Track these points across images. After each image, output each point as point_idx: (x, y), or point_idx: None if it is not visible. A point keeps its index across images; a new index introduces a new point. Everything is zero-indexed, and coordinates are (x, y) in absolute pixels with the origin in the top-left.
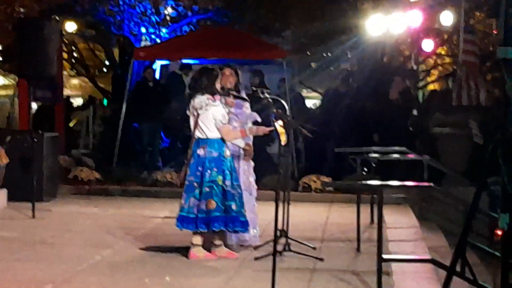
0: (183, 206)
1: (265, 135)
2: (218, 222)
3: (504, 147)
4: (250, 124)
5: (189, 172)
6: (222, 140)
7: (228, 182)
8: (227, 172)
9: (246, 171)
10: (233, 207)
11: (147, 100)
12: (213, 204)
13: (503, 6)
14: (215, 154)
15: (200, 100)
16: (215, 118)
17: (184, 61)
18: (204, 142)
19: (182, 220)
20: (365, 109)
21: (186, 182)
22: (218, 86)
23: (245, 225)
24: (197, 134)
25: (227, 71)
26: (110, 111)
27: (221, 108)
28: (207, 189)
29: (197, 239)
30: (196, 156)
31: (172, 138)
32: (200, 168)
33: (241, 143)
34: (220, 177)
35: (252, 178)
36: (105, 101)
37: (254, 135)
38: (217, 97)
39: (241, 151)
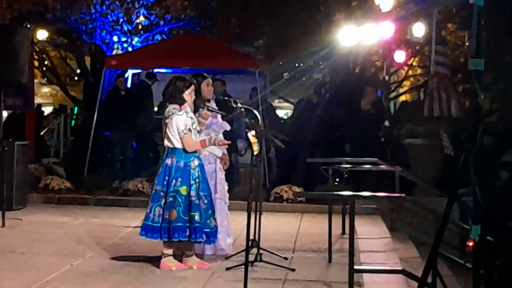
0: (148, 215)
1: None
2: (178, 232)
3: (476, 158)
4: (220, 135)
5: (156, 181)
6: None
7: (193, 193)
8: (192, 182)
9: (222, 180)
10: (196, 217)
11: (119, 108)
12: (174, 214)
13: (475, 17)
14: (181, 164)
15: (168, 109)
16: (178, 127)
17: (156, 70)
18: (173, 152)
19: (147, 229)
20: (337, 119)
21: (153, 191)
22: (187, 96)
23: (209, 236)
24: (166, 143)
25: (204, 83)
26: (81, 119)
27: (184, 118)
28: (171, 199)
29: (168, 249)
30: (164, 166)
31: (143, 147)
32: (166, 178)
33: (218, 152)
34: (185, 187)
35: (226, 187)
36: (75, 110)
37: (212, 145)
38: (184, 106)
39: (218, 160)
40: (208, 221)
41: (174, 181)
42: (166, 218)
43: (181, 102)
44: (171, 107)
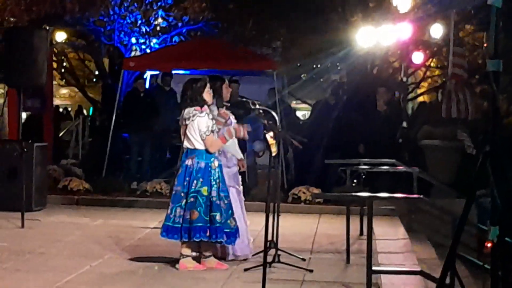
0: (168, 216)
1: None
2: (199, 233)
3: (494, 159)
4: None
5: (176, 182)
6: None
7: (214, 193)
8: (213, 183)
9: (240, 182)
10: (218, 218)
11: (137, 110)
12: (195, 215)
13: (493, 18)
14: (202, 164)
15: (188, 111)
16: (200, 129)
17: (174, 71)
18: (192, 152)
19: (167, 230)
20: (354, 120)
21: (173, 192)
22: (206, 95)
23: (230, 236)
24: (186, 144)
25: (224, 85)
26: (99, 120)
27: (206, 119)
28: (192, 199)
29: (187, 250)
30: (184, 166)
31: (161, 148)
32: (187, 178)
33: (238, 154)
34: (206, 188)
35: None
36: (90, 110)
37: (233, 137)
38: (204, 108)
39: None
40: (228, 221)
41: (195, 181)
42: (187, 219)
43: (202, 103)
44: (191, 109)
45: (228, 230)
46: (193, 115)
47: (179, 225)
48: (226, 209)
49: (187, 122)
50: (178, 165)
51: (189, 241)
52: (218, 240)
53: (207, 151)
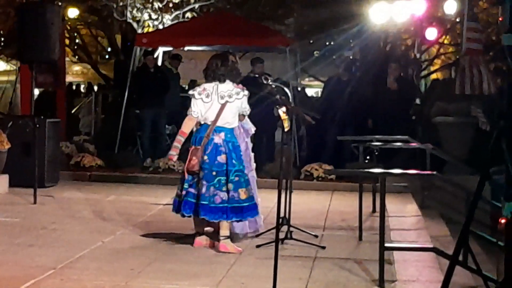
0: (203, 195)
1: None
2: (251, 211)
3: (508, 135)
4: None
5: (207, 160)
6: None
7: (246, 170)
8: (243, 159)
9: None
10: (252, 193)
11: (148, 86)
12: (246, 193)
13: None
14: (235, 143)
15: (227, 88)
16: (245, 107)
17: (187, 48)
18: (221, 129)
19: (205, 209)
20: (367, 97)
21: (205, 171)
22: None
23: (257, 208)
24: (221, 122)
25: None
26: (111, 97)
27: (247, 98)
28: (236, 178)
29: (226, 231)
30: (213, 144)
31: (173, 125)
32: (221, 156)
33: (253, 128)
34: (242, 167)
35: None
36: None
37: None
38: (241, 86)
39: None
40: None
41: (233, 161)
42: (234, 198)
43: (239, 78)
44: (229, 86)
45: (254, 202)
46: (237, 93)
47: (222, 205)
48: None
49: (230, 100)
50: (204, 142)
51: (240, 220)
52: (254, 216)
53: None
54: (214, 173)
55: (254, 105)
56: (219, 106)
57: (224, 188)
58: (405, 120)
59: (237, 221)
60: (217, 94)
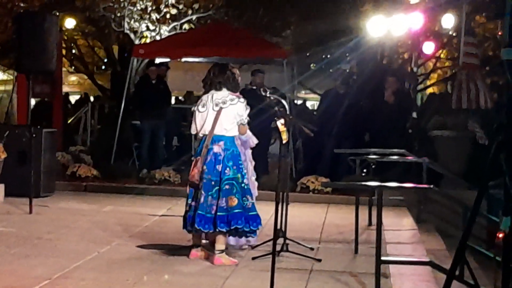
0: (202, 204)
1: None
2: (240, 219)
3: (507, 149)
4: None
5: (206, 170)
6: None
7: (246, 180)
8: (242, 167)
9: (251, 171)
10: (249, 204)
11: (149, 97)
12: (234, 201)
13: (508, 6)
14: (233, 151)
15: (222, 96)
16: (241, 114)
17: (184, 59)
18: (220, 138)
19: (202, 219)
20: (364, 110)
21: (204, 180)
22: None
23: (258, 219)
24: (218, 131)
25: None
26: (108, 108)
27: (245, 105)
28: (227, 187)
29: (221, 245)
30: (212, 154)
31: (170, 136)
32: (218, 166)
33: (255, 140)
34: (239, 175)
35: (253, 177)
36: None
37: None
38: (239, 94)
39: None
40: (254, 204)
41: (228, 169)
42: (222, 207)
43: (237, 88)
44: (225, 94)
45: (256, 213)
46: (231, 100)
47: (212, 215)
48: (251, 193)
49: (224, 106)
50: (195, 152)
51: (228, 230)
52: (254, 229)
53: (234, 137)
54: (213, 182)
55: (251, 117)
56: (214, 113)
57: (215, 197)
58: (402, 133)
59: (228, 231)
60: (212, 101)
